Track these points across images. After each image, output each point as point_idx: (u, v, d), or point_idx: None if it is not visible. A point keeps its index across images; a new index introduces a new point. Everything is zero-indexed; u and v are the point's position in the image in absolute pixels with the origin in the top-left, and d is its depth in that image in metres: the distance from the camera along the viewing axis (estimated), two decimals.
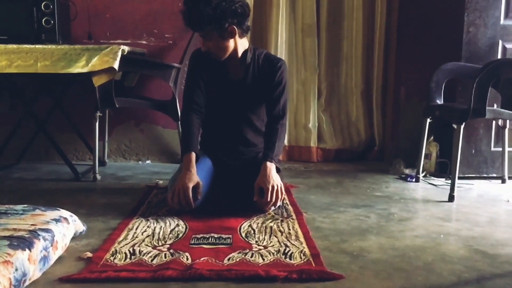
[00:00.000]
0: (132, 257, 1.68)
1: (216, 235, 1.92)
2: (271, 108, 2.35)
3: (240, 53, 2.31)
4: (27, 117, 3.11)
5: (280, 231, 1.99)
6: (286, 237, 1.91)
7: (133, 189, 2.73)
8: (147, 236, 1.89)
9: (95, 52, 2.70)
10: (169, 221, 2.09)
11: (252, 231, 1.98)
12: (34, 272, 1.46)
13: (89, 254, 1.70)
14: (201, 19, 2.14)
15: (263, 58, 2.36)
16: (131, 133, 3.51)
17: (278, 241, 1.87)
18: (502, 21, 2.99)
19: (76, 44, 2.84)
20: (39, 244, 1.51)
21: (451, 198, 2.58)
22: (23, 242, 1.47)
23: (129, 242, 1.82)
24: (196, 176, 2.19)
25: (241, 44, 2.30)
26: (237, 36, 2.24)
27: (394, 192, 2.77)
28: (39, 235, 1.55)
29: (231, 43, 2.24)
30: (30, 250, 1.45)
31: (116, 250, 1.74)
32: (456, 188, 2.59)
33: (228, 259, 1.67)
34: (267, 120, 2.39)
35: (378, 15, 3.58)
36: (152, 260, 1.66)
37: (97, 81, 2.70)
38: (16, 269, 1.36)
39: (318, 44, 3.65)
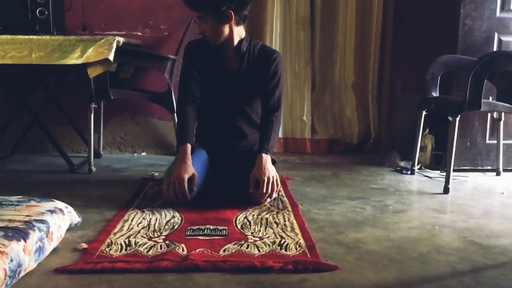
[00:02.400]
0: (128, 248, 1.68)
1: (211, 227, 1.92)
2: (266, 100, 2.35)
3: (235, 42, 2.30)
4: (21, 109, 3.08)
5: (275, 222, 1.99)
6: (282, 229, 1.91)
7: (128, 181, 2.72)
8: (142, 228, 1.89)
9: (90, 43, 2.68)
10: (164, 212, 2.09)
11: (247, 223, 1.98)
12: (29, 263, 1.46)
13: (85, 245, 1.70)
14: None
15: (258, 49, 2.36)
16: (126, 125, 3.50)
17: (274, 232, 1.87)
18: (498, 14, 2.99)
19: (70, 35, 2.82)
20: (34, 235, 1.50)
21: (446, 190, 2.59)
22: (18, 233, 1.46)
23: (125, 234, 1.82)
24: (192, 168, 2.19)
25: (237, 32, 2.29)
26: (233, 23, 2.24)
27: (390, 184, 2.77)
28: (34, 226, 1.55)
29: (226, 28, 2.24)
30: (25, 241, 1.45)
31: (111, 241, 1.74)
32: (451, 180, 2.60)
33: (224, 251, 1.67)
34: (262, 112, 2.39)
35: (374, 8, 3.57)
36: (147, 251, 1.66)
37: (92, 72, 2.68)
38: (11, 260, 1.35)
39: (312, 37, 3.64)
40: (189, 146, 2.24)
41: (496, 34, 3.00)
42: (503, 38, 3.01)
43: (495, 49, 3.00)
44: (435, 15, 3.29)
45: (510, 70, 2.75)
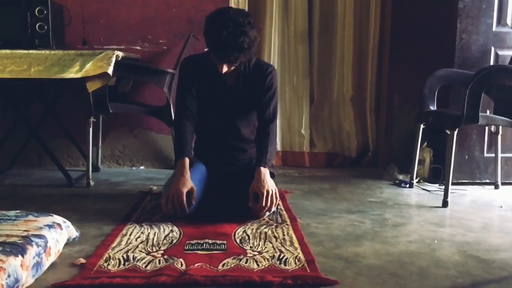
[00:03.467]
0: (126, 263, 1.67)
1: (210, 241, 1.91)
2: (261, 112, 2.36)
3: None
4: (20, 122, 3.09)
5: (274, 236, 1.98)
6: (281, 243, 1.90)
7: (126, 195, 2.71)
8: (141, 242, 1.88)
9: (89, 58, 2.69)
10: (163, 227, 2.08)
11: (246, 237, 1.97)
12: (27, 279, 1.45)
13: (83, 260, 1.69)
14: (240, 51, 2.15)
15: (254, 64, 2.37)
16: (125, 138, 3.50)
17: (273, 246, 1.86)
18: (494, 28, 3.01)
19: (70, 50, 2.83)
20: (32, 250, 1.50)
21: (444, 204, 2.59)
22: (16, 248, 1.45)
23: (123, 248, 1.81)
24: (190, 182, 2.18)
25: None
26: None
27: (388, 197, 2.77)
28: (32, 241, 1.54)
29: None
30: (23, 256, 1.44)
31: (109, 256, 1.73)
32: (449, 194, 2.60)
33: (223, 265, 1.66)
34: (258, 125, 2.39)
35: (371, 22, 3.61)
36: (146, 266, 1.65)
37: (91, 86, 2.69)
38: (9, 276, 1.34)
39: (310, 51, 3.67)
40: (187, 160, 2.24)
41: (492, 48, 3.03)
42: (500, 52, 3.03)
43: (491, 63, 3.02)
44: (432, 29, 3.32)
45: (507, 83, 2.77)
